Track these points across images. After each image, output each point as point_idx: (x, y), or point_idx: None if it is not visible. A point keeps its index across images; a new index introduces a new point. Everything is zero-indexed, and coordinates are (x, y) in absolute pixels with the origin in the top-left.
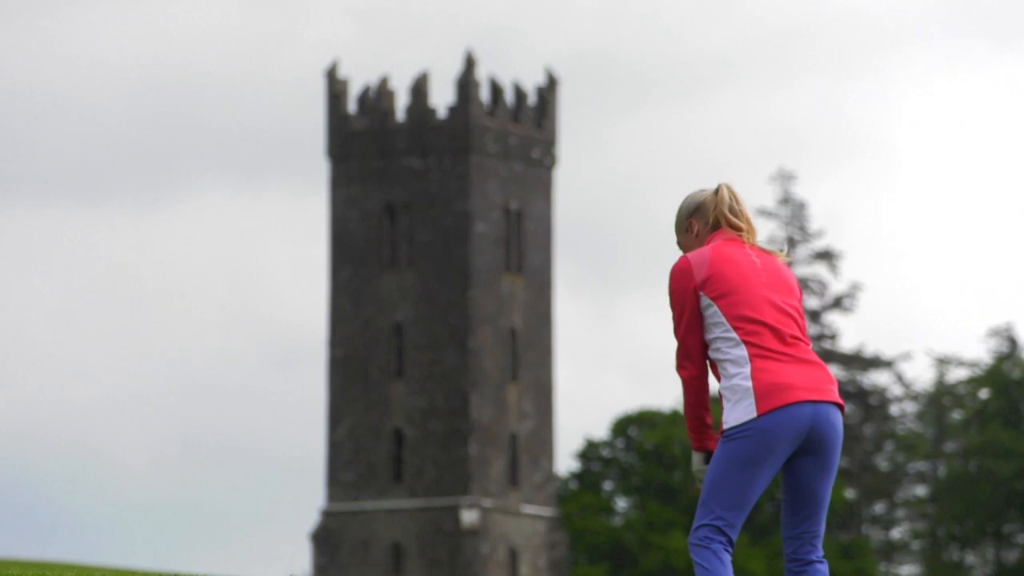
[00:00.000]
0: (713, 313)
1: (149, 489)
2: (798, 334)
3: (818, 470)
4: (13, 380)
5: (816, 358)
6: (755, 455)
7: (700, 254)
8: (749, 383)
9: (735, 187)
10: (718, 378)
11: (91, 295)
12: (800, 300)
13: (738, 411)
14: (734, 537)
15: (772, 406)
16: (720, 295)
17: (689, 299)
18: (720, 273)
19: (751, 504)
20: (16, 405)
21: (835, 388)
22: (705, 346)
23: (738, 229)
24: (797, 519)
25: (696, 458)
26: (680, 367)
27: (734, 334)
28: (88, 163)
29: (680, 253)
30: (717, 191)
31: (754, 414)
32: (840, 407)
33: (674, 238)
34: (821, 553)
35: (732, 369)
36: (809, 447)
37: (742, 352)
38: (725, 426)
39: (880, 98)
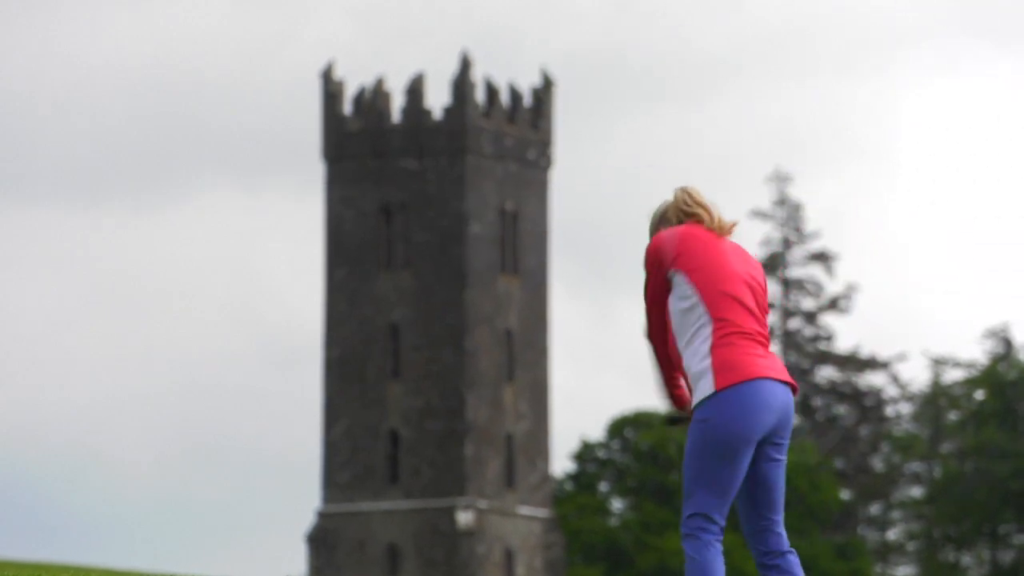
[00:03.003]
0: (681, 285)
1: (149, 489)
2: (760, 326)
3: (775, 455)
4: (13, 380)
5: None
6: (724, 436)
7: (671, 232)
8: (709, 360)
9: (691, 188)
10: (680, 353)
11: (91, 295)
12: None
13: (702, 388)
14: (723, 523)
15: (732, 381)
16: (692, 269)
17: (657, 274)
18: (691, 249)
19: (734, 489)
20: (16, 405)
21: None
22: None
23: (698, 218)
24: (759, 511)
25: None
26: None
27: (703, 308)
28: (88, 163)
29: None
30: (673, 197)
31: (712, 390)
32: (794, 389)
33: None
34: (788, 543)
35: (698, 344)
36: (772, 431)
37: (708, 329)
38: (692, 405)
39: (880, 98)
